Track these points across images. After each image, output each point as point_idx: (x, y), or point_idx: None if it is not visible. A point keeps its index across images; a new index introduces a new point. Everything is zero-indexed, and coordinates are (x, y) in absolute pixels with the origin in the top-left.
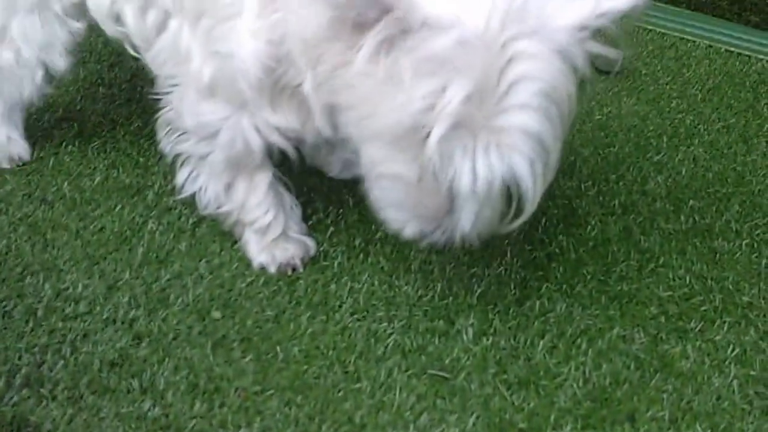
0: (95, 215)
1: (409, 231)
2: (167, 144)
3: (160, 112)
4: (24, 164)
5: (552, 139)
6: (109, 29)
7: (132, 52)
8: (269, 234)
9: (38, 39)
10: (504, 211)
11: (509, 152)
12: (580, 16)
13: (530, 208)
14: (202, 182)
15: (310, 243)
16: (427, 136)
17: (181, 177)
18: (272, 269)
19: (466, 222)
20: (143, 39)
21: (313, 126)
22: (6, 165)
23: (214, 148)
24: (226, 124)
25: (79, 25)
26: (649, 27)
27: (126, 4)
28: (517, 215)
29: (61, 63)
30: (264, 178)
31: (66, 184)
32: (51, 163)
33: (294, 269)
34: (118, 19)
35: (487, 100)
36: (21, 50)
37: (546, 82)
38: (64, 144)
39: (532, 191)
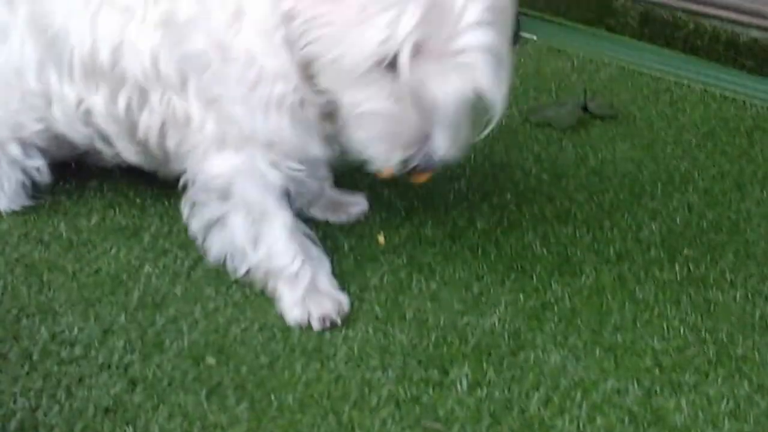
0: (91, 257)
1: (394, 161)
2: (192, 220)
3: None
4: None
5: (504, 48)
6: (78, 132)
7: (102, 148)
8: (299, 283)
9: None
10: (475, 122)
11: (472, 68)
12: None
13: (498, 114)
14: (229, 245)
15: (343, 298)
16: (394, 66)
17: (211, 247)
18: (315, 324)
19: (444, 140)
20: (119, 124)
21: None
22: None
23: (231, 206)
24: (243, 170)
25: (38, 164)
26: (644, 70)
27: (94, 96)
28: (487, 123)
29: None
30: (284, 222)
31: (63, 224)
32: (48, 202)
33: (332, 324)
34: (86, 116)
35: (443, 23)
36: None
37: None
38: (61, 183)
39: (498, 99)
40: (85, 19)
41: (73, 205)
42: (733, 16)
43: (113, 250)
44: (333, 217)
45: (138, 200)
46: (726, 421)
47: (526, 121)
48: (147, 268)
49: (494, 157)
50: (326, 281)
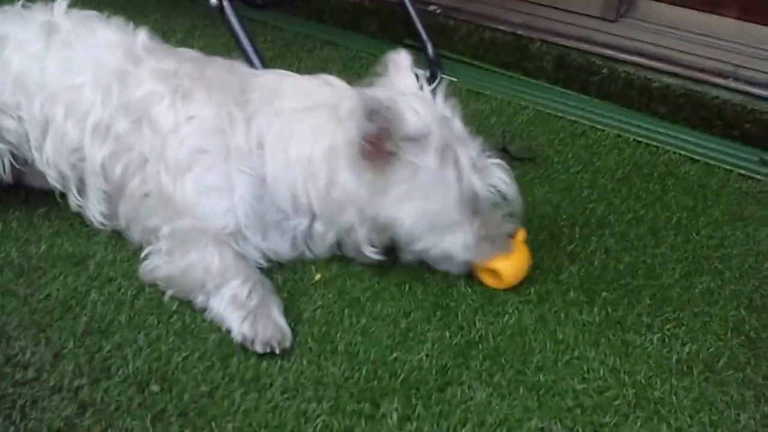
0: (41, 282)
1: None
2: (156, 273)
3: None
4: None
5: None
6: (56, 170)
7: (74, 196)
8: (249, 302)
9: None
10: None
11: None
12: None
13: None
14: (191, 283)
15: (288, 331)
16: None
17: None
18: (258, 346)
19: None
20: (107, 180)
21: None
22: None
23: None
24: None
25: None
26: (560, 114)
27: (96, 150)
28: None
29: None
30: (234, 251)
31: (14, 250)
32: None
33: (272, 351)
34: (78, 162)
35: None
36: None
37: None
38: (11, 210)
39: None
40: (114, 89)
41: (23, 232)
42: (647, 62)
43: (61, 277)
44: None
45: (83, 229)
46: None
47: None
48: (93, 295)
49: None
50: (276, 311)
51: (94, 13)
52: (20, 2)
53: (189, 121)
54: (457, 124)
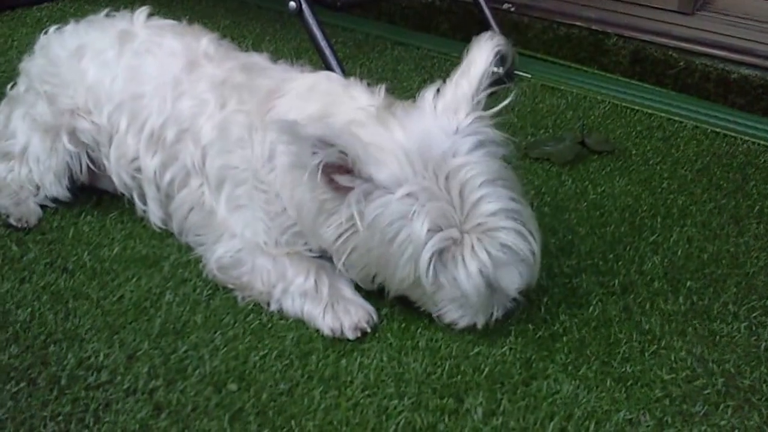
0: (114, 285)
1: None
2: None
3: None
4: (45, 233)
5: (516, 204)
6: (120, 179)
7: (137, 203)
8: (322, 293)
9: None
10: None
11: (494, 237)
12: (458, 110)
13: (536, 264)
14: (257, 296)
15: (370, 307)
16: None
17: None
18: (349, 334)
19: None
20: (159, 189)
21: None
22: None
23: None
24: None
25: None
26: (637, 107)
27: (149, 160)
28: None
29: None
30: (284, 253)
31: (86, 253)
32: (71, 232)
33: (363, 333)
34: (135, 172)
35: (452, 214)
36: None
37: (484, 173)
38: (83, 215)
39: (536, 251)
40: (168, 98)
41: (95, 235)
42: (724, 54)
43: (135, 279)
44: None
45: (156, 231)
46: None
47: (526, 156)
48: (168, 296)
49: None
50: (349, 291)
51: (170, 22)
52: (105, 12)
53: (221, 134)
54: (470, 176)
